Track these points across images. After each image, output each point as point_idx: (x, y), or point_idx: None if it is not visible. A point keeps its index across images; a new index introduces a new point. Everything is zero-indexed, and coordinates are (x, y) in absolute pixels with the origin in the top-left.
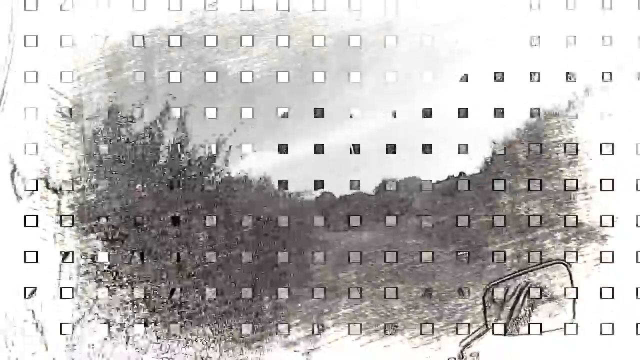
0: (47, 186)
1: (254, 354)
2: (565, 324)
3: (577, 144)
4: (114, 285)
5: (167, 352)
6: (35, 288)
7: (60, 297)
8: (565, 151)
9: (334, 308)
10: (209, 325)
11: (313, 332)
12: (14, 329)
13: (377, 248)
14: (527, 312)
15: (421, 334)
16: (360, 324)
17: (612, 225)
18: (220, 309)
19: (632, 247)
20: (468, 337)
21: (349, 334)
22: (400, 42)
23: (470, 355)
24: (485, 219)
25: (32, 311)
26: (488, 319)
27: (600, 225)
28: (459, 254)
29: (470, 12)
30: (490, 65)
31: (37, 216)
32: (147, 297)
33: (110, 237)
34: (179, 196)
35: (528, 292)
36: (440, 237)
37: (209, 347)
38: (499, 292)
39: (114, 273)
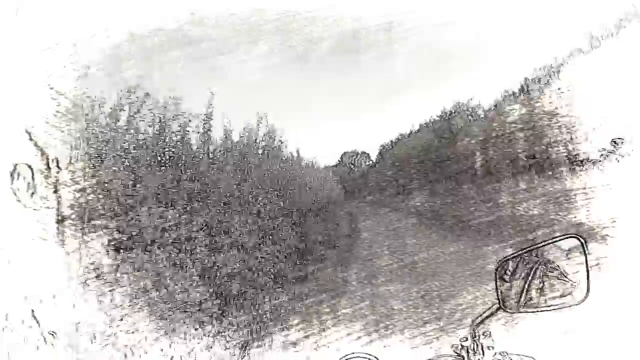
0: (47, 185)
1: (254, 353)
2: (578, 302)
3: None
4: (114, 287)
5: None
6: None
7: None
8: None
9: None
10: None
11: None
12: (14, 327)
13: None
14: (540, 290)
15: (421, 334)
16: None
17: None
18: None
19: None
20: (480, 315)
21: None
22: (400, 42)
23: (483, 334)
24: (486, 218)
25: (33, 310)
26: (500, 296)
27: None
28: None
29: (470, 12)
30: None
31: (37, 216)
32: (148, 294)
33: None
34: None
35: (540, 268)
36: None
37: (209, 345)
38: (510, 269)
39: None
